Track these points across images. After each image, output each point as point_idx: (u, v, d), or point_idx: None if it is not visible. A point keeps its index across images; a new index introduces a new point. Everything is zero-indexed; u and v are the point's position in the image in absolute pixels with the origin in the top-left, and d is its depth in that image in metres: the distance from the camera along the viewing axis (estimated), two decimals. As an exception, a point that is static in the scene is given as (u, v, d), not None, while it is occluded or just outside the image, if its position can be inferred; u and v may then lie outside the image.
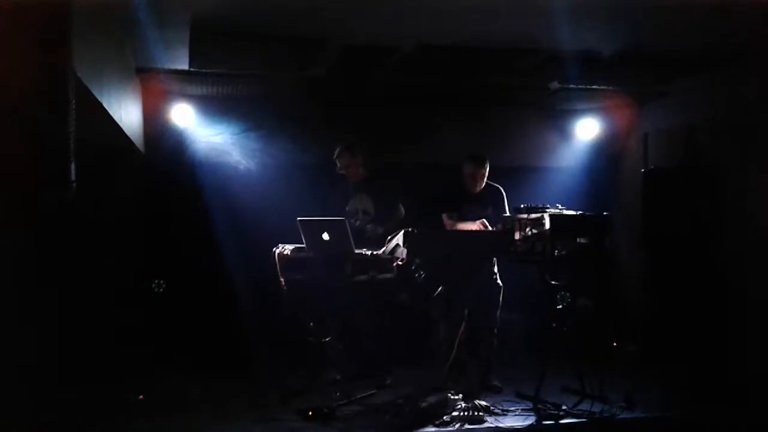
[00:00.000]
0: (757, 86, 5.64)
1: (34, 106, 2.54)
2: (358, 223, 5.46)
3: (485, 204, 5.35)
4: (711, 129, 6.19)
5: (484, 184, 5.39)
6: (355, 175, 5.58)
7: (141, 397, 4.78)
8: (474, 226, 5.15)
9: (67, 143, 2.61)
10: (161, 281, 5.40)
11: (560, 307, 4.61)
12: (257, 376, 5.26)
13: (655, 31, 4.85)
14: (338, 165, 5.56)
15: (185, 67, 5.52)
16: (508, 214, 5.10)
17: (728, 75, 5.78)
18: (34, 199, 2.78)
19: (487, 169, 5.35)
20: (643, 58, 5.40)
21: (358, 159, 5.53)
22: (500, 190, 5.44)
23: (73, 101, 2.63)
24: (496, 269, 5.29)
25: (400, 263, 4.58)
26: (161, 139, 6.32)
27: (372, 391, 4.90)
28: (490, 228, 5.09)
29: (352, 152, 5.51)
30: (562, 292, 4.63)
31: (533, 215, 4.64)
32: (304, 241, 4.77)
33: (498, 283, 5.27)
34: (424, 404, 4.28)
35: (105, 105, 3.97)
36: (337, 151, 5.53)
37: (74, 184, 2.67)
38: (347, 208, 5.56)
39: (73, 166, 2.65)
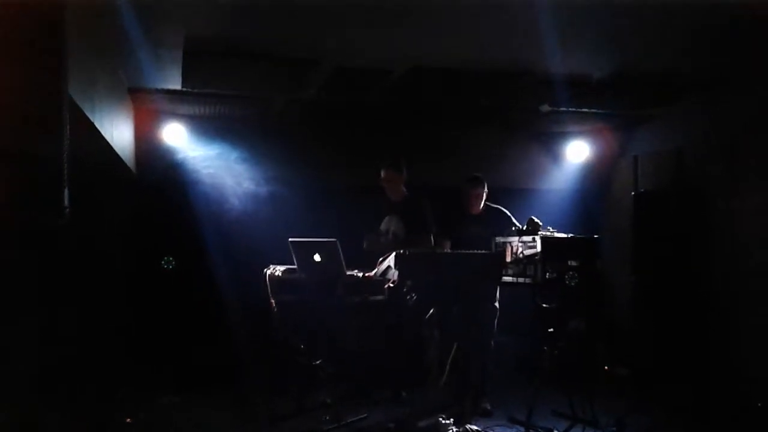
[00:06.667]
0: (742, 109, 5.71)
1: (27, 132, 2.50)
2: (382, 240, 5.39)
3: (486, 225, 5.33)
4: (699, 152, 6.25)
5: (483, 206, 5.39)
6: (395, 192, 5.47)
7: (129, 420, 4.71)
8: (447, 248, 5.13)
9: (60, 169, 2.57)
10: (171, 258, 5.29)
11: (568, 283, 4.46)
12: (246, 399, 5.20)
13: (644, 55, 4.91)
14: (382, 177, 5.44)
15: (178, 87, 5.53)
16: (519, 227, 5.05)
17: (715, 98, 5.85)
18: (27, 226, 2.70)
19: (485, 189, 5.37)
20: (633, 81, 5.45)
21: (403, 176, 5.43)
22: (501, 210, 5.45)
23: (67, 126, 2.60)
24: (498, 292, 5.25)
25: (391, 285, 4.55)
26: (153, 158, 6.30)
27: (363, 416, 4.85)
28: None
29: (398, 168, 5.41)
30: (571, 272, 4.52)
31: (524, 237, 4.65)
32: (295, 262, 4.75)
33: (495, 306, 5.24)
34: (415, 429, 4.23)
35: (97, 124, 3.95)
36: (383, 165, 5.43)
37: (68, 210, 2.62)
38: (381, 226, 5.50)
39: (66, 192, 2.61)
